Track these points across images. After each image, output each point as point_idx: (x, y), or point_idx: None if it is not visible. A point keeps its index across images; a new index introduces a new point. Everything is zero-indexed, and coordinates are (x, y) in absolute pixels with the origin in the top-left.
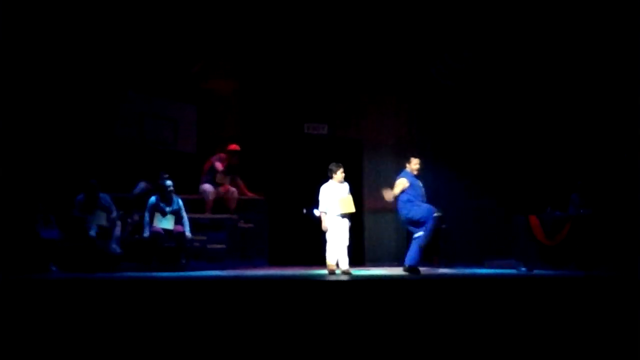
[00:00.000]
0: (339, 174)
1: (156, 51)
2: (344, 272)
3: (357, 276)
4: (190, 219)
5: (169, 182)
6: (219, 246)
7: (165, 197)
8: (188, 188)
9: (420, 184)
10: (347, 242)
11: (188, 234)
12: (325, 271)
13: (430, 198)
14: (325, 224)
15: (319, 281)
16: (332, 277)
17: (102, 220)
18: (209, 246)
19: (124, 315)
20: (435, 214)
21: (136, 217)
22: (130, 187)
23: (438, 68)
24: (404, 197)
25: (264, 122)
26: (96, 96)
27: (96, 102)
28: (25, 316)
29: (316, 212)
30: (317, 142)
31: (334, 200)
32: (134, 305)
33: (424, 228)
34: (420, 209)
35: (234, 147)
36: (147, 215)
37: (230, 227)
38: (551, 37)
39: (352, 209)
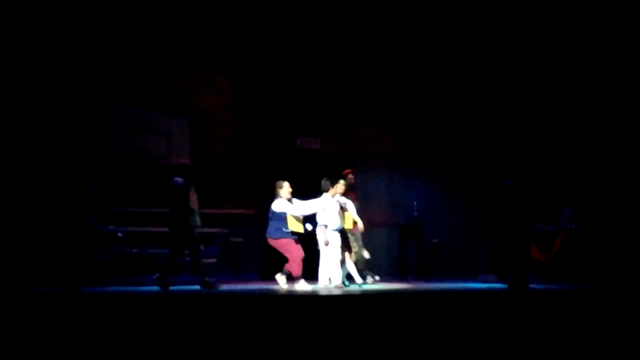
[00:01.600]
0: (334, 189)
1: (148, 65)
2: (337, 286)
3: (350, 290)
4: None
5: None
6: (210, 260)
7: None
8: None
9: None
10: (340, 257)
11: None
12: (317, 285)
13: (424, 212)
14: (326, 238)
15: (312, 295)
16: (325, 292)
17: None
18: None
19: (114, 329)
20: None
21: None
22: (123, 201)
23: (430, 83)
24: None
25: (257, 135)
26: (88, 110)
27: (88, 116)
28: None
29: (308, 227)
30: (309, 156)
31: (332, 215)
32: (124, 320)
33: None
34: None
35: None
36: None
37: (221, 242)
38: (540, 52)
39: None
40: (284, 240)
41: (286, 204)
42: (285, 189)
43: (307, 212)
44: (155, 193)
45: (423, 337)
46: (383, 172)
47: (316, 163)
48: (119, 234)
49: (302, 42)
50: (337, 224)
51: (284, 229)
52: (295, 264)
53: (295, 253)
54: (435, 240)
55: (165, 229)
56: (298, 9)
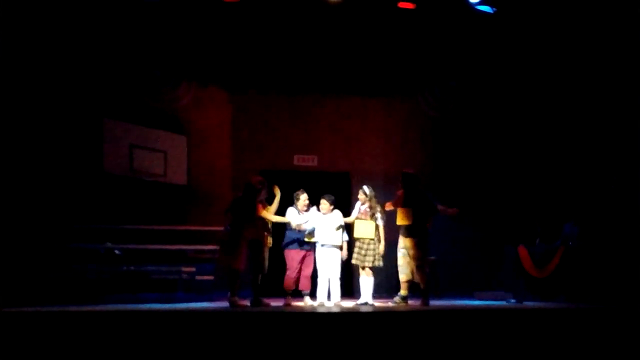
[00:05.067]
0: (324, 206)
1: (145, 81)
2: (336, 304)
3: (348, 308)
4: (177, 251)
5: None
6: (207, 278)
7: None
8: (177, 220)
9: None
10: (338, 274)
11: None
12: (315, 302)
13: None
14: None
15: (310, 313)
16: (323, 309)
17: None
18: (197, 278)
19: (112, 348)
20: None
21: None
22: (119, 219)
23: (426, 99)
24: None
25: (255, 153)
26: (84, 127)
27: (85, 132)
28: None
29: None
30: (306, 173)
31: (323, 231)
32: (122, 337)
33: None
34: None
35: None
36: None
37: (217, 259)
38: (539, 65)
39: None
40: (286, 251)
41: (290, 212)
42: (301, 200)
43: (297, 222)
44: (152, 210)
45: (419, 355)
46: (380, 188)
47: (313, 180)
48: (116, 252)
49: (301, 59)
50: (330, 239)
51: (291, 239)
52: (287, 278)
53: (291, 267)
54: (432, 258)
55: (161, 247)
56: (296, 24)
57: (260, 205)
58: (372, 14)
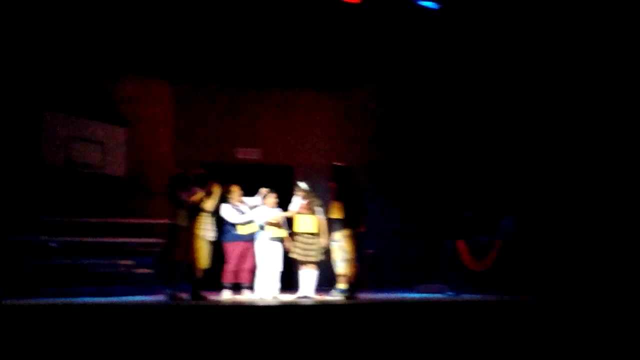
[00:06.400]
0: (269, 200)
1: (84, 71)
2: (274, 297)
3: (286, 302)
4: (116, 244)
5: None
6: (146, 271)
7: None
8: (115, 212)
9: None
10: (280, 267)
11: None
12: (255, 296)
13: None
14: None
15: (249, 306)
16: (262, 302)
17: None
18: (136, 271)
19: (45, 342)
20: None
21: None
22: (56, 211)
23: (369, 93)
24: None
25: (197, 145)
26: (20, 118)
27: (20, 124)
28: None
29: None
30: (248, 167)
31: (267, 224)
32: (58, 332)
33: None
34: None
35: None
36: None
37: (157, 252)
38: (482, 61)
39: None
40: (226, 245)
41: (226, 209)
42: (234, 193)
43: (238, 222)
44: (90, 203)
45: (357, 348)
46: (323, 182)
47: (255, 174)
48: (53, 245)
49: (243, 49)
50: (272, 233)
51: (232, 232)
52: (226, 272)
53: (231, 260)
54: (370, 251)
55: (99, 239)
56: (238, 15)
57: (184, 193)
58: (316, 7)
